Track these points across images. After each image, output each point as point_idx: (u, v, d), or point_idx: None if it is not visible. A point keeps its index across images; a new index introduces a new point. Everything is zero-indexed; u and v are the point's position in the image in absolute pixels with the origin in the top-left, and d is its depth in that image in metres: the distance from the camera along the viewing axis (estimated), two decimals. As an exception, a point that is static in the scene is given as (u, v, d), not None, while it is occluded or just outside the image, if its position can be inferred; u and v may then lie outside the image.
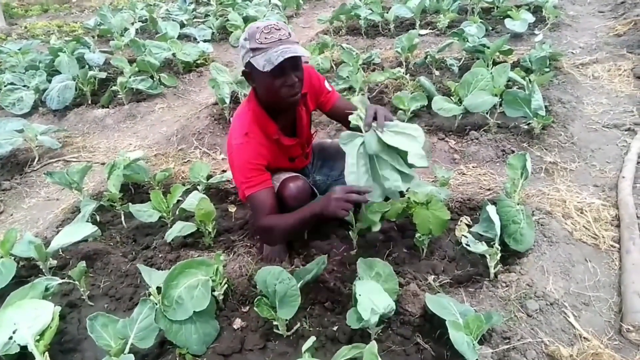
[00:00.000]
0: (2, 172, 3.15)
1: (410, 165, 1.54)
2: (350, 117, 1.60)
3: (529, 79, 2.84)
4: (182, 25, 5.81)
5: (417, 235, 1.86)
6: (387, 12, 5.02)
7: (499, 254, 1.75)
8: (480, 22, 4.36)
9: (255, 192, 1.72)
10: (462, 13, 5.24)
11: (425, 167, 1.72)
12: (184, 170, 2.90)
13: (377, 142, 1.51)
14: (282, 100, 1.68)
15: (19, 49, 5.09)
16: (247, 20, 5.60)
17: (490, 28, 4.60)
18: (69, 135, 3.59)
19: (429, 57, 3.68)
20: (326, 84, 1.98)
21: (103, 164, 3.11)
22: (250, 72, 1.69)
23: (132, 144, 3.42)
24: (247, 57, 1.62)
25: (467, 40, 3.71)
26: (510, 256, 1.87)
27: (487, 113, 2.80)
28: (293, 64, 1.62)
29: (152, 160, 3.09)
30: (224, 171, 2.77)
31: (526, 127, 2.80)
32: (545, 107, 2.92)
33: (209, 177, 2.62)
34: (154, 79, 4.13)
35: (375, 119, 1.54)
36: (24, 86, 4.11)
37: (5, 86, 4.06)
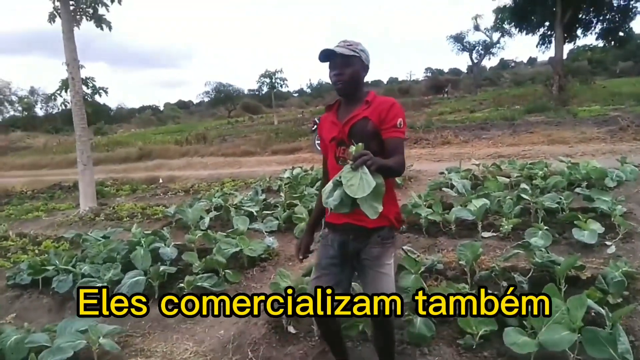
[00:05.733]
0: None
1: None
2: (350, 148, 1.95)
3: (608, 313, 2.61)
4: (251, 217, 6.21)
5: None
6: (448, 213, 5.12)
7: None
8: (546, 229, 4.31)
9: None
10: (525, 214, 5.23)
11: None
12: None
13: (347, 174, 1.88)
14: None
15: (102, 237, 5.59)
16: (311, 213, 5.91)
17: (557, 234, 4.51)
18: (130, 335, 3.64)
19: (494, 272, 3.57)
20: (399, 120, 2.16)
21: (158, 372, 3.07)
22: None
23: (188, 349, 3.38)
24: None
25: (535, 254, 3.60)
26: None
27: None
28: (333, 62, 2.18)
29: (205, 374, 3.01)
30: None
31: (614, 369, 2.48)
32: (631, 342, 2.63)
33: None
34: (220, 275, 4.27)
35: (358, 157, 1.85)
36: (98, 277, 4.37)
37: (81, 279, 4.35)
